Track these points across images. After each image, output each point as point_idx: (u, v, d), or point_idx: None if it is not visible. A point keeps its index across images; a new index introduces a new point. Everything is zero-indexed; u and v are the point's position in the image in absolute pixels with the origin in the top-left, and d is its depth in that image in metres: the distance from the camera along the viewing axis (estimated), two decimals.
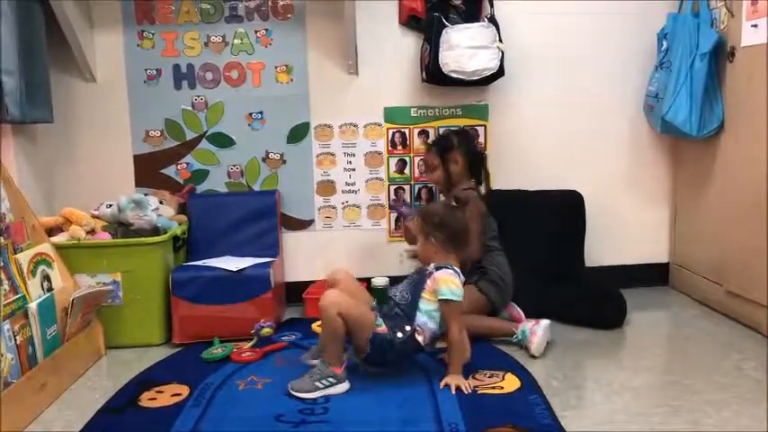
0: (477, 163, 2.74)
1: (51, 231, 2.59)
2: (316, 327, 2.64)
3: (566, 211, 3.01)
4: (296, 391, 2.06)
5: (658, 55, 2.89)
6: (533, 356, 2.34)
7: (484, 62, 2.82)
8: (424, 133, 3.09)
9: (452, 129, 2.94)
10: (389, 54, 3.04)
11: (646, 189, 3.18)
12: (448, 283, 2.09)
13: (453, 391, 2.04)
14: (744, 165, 2.54)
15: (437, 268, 2.13)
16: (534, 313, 2.52)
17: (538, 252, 2.89)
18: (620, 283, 2.91)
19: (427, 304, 2.13)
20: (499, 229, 2.70)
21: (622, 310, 2.65)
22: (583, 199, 3.01)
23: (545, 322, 2.41)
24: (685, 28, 2.73)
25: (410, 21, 3.00)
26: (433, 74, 2.87)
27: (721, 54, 2.67)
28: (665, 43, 2.84)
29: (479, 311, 2.52)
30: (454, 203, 2.25)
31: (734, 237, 2.62)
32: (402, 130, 3.10)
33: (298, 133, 3.08)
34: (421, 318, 2.12)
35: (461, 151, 2.69)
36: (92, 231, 2.63)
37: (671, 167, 3.16)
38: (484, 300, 2.54)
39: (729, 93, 2.64)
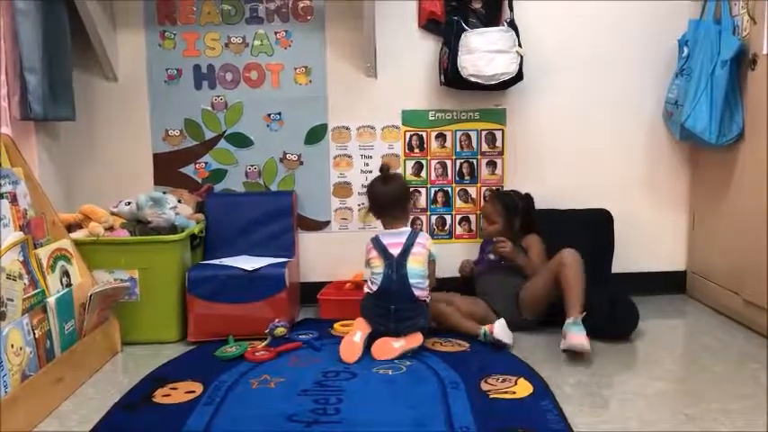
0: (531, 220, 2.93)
1: (71, 228, 2.62)
2: (339, 326, 2.68)
3: (595, 228, 3.00)
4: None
5: (679, 61, 2.88)
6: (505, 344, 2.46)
7: (503, 66, 2.82)
8: (441, 136, 3.09)
9: (517, 192, 2.96)
10: (408, 57, 3.04)
11: (664, 196, 3.16)
12: None
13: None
14: (763, 174, 2.51)
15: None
16: (544, 322, 2.66)
17: None
18: (637, 290, 2.90)
19: None
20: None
21: (633, 320, 2.61)
22: (612, 218, 3.00)
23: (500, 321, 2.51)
24: (707, 35, 2.72)
25: (429, 24, 3.01)
26: (451, 77, 2.87)
27: (743, 62, 2.64)
28: (685, 50, 2.82)
29: None
30: (381, 173, 2.60)
31: (751, 246, 2.59)
32: (419, 133, 3.11)
33: (315, 135, 3.10)
34: None
35: (521, 216, 2.86)
36: (110, 228, 2.66)
37: (689, 175, 3.13)
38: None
39: (750, 101, 2.62)
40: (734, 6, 2.72)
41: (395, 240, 2.47)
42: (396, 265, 2.42)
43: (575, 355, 2.37)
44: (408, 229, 2.54)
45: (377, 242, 2.50)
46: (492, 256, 2.79)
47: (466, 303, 2.69)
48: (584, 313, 2.45)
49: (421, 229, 2.71)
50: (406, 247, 2.45)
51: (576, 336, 2.37)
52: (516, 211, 2.86)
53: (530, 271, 2.71)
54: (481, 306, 2.69)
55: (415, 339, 2.41)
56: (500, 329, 2.47)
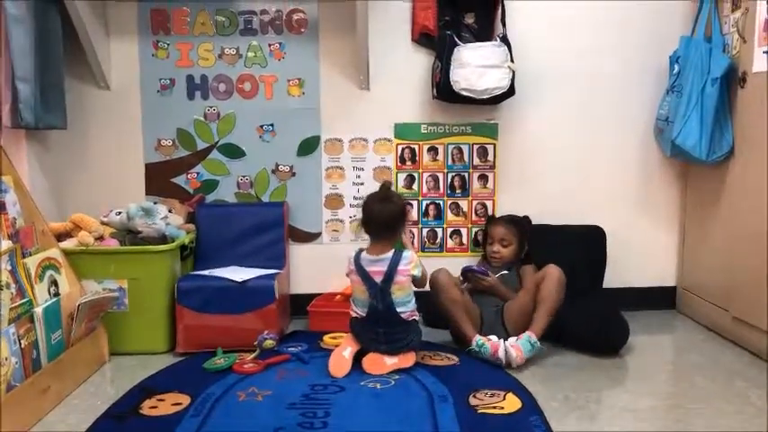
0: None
1: (60, 237, 2.61)
2: (328, 339, 2.66)
3: (587, 244, 3.02)
4: None
5: (670, 78, 2.89)
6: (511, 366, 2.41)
7: (494, 81, 2.83)
8: (433, 150, 3.10)
9: (516, 215, 2.98)
10: (401, 70, 3.05)
11: (654, 212, 3.17)
12: None
13: None
14: (753, 191, 2.53)
15: None
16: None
17: None
18: (627, 305, 2.90)
19: None
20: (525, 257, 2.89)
21: (624, 335, 2.60)
22: (605, 234, 3.02)
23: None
24: (697, 52, 2.74)
25: (422, 38, 3.02)
26: (443, 91, 2.88)
27: (733, 79, 2.67)
28: (676, 67, 2.84)
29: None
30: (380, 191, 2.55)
31: (741, 262, 2.61)
32: (412, 146, 3.11)
33: (308, 146, 3.10)
34: None
35: (527, 236, 2.89)
36: (100, 238, 2.66)
37: (680, 191, 3.15)
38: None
39: (740, 118, 2.64)
40: (724, 25, 2.75)
41: (377, 268, 2.40)
42: (380, 294, 2.38)
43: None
44: (390, 254, 2.42)
45: (359, 266, 2.44)
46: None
47: (469, 302, 2.65)
48: (543, 348, 2.48)
49: (404, 248, 2.59)
50: (389, 275, 2.38)
51: (519, 350, 2.41)
52: (527, 233, 2.89)
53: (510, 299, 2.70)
54: (476, 314, 2.64)
55: (408, 359, 2.39)
56: (503, 351, 2.42)
